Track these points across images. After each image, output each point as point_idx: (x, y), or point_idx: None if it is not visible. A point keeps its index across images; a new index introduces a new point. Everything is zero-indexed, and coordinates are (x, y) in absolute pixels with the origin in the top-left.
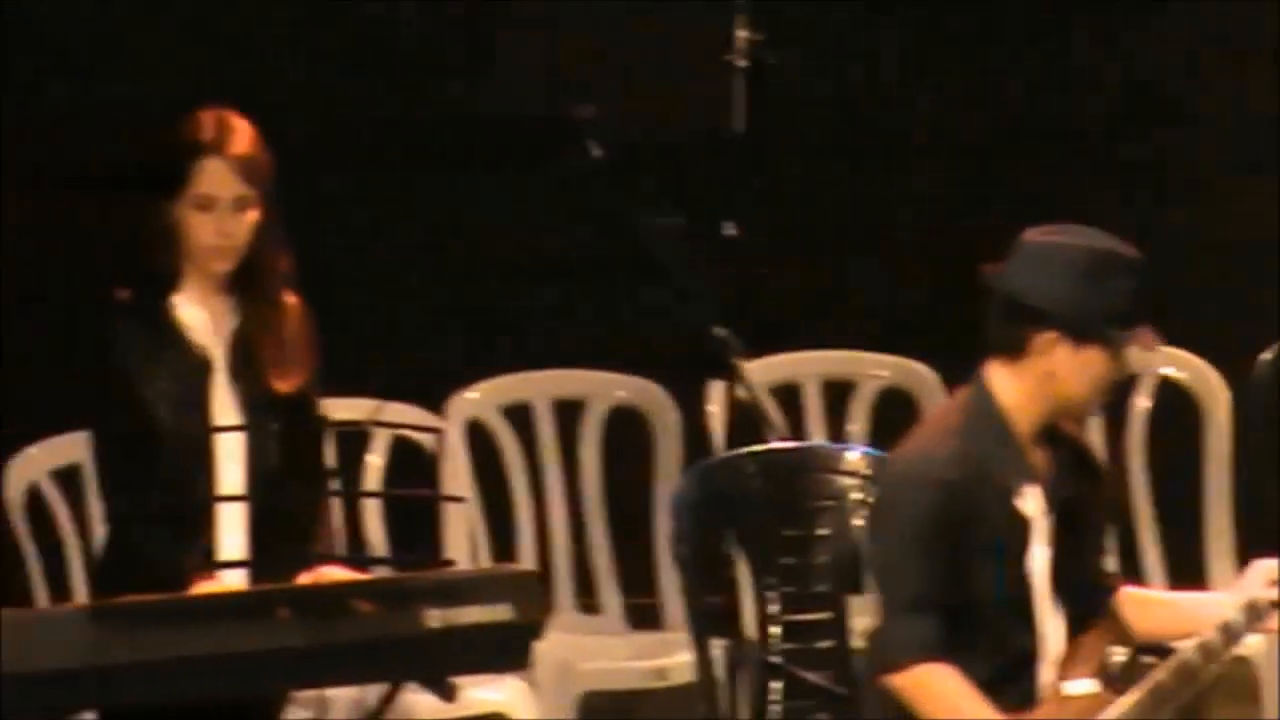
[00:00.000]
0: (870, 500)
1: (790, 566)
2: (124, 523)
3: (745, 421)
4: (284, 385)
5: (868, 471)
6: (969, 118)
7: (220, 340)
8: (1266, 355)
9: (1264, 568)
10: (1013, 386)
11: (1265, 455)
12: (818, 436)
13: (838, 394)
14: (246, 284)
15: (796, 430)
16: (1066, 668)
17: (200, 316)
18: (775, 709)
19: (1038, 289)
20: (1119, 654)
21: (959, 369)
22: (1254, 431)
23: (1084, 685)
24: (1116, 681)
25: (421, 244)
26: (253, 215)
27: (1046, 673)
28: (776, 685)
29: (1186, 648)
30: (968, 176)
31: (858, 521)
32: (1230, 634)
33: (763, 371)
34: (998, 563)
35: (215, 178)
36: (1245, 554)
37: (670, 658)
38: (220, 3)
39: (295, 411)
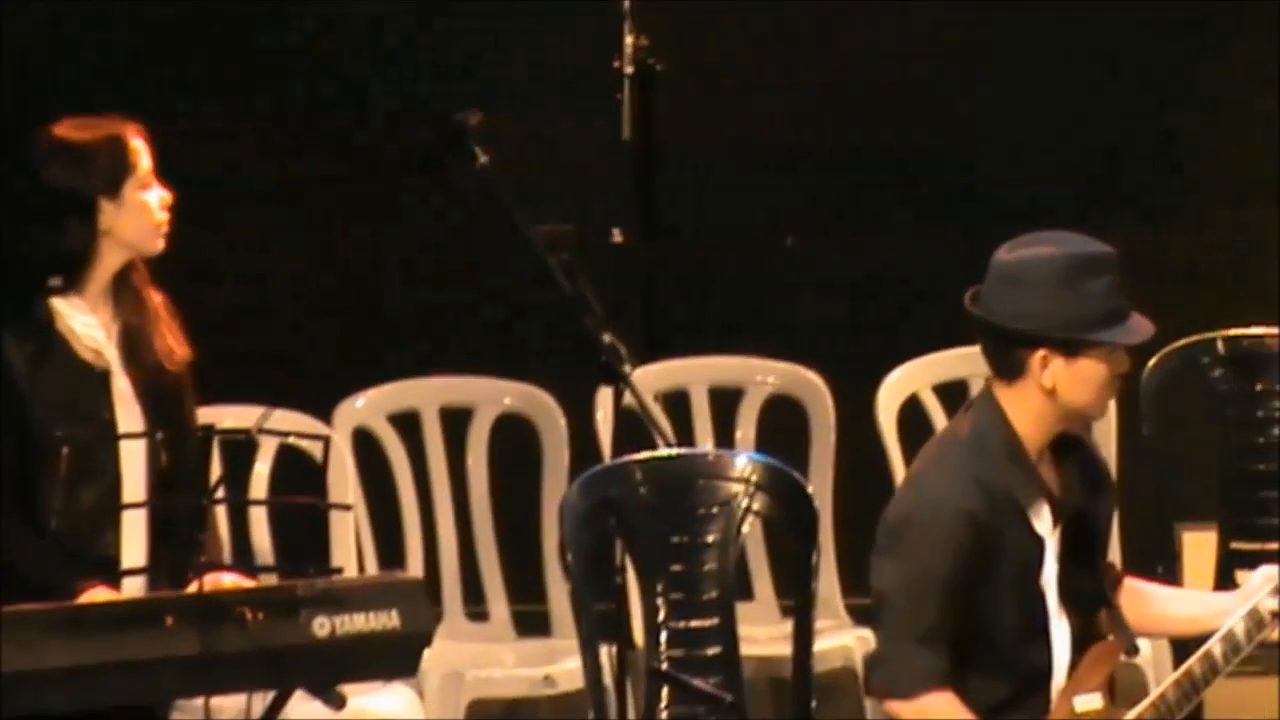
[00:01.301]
0: (756, 508)
1: (678, 573)
2: (10, 541)
3: (633, 428)
4: (173, 367)
5: (755, 479)
6: (853, 123)
7: (110, 341)
8: (1152, 363)
9: (1268, 573)
10: (1019, 407)
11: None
12: (706, 443)
13: (726, 401)
14: (120, 280)
15: (685, 437)
16: (1075, 681)
17: (89, 322)
18: (664, 715)
19: (1017, 311)
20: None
21: (848, 375)
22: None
23: (1092, 700)
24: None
25: (309, 249)
26: None
27: (1049, 690)
28: (665, 692)
29: (1191, 661)
30: (856, 183)
31: (745, 529)
32: (1233, 645)
33: (651, 378)
34: (1016, 586)
35: (145, 151)
36: None
37: (558, 665)
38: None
39: (178, 409)
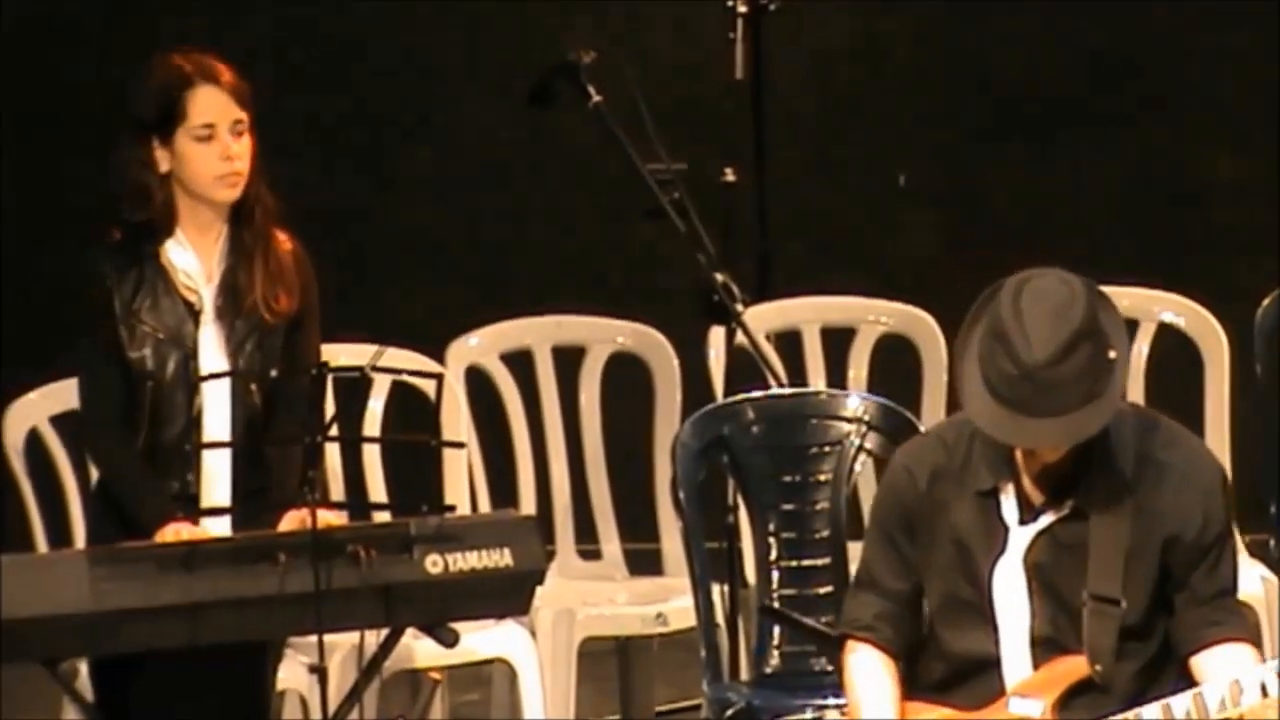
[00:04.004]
0: (868, 447)
1: (790, 512)
2: (107, 468)
3: (745, 367)
4: (274, 319)
5: (867, 418)
6: (969, 67)
7: (211, 285)
8: (1267, 303)
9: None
10: None
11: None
12: (818, 383)
13: (838, 340)
14: (239, 221)
15: (796, 376)
16: (1025, 684)
17: (192, 261)
18: (775, 654)
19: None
20: None
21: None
22: (1256, 380)
23: (1032, 707)
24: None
25: (424, 189)
26: (249, 140)
27: (1000, 683)
28: (776, 630)
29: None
30: (974, 126)
31: (857, 467)
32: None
33: (763, 318)
34: (954, 562)
35: (212, 105)
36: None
37: (670, 603)
38: None
39: (287, 351)
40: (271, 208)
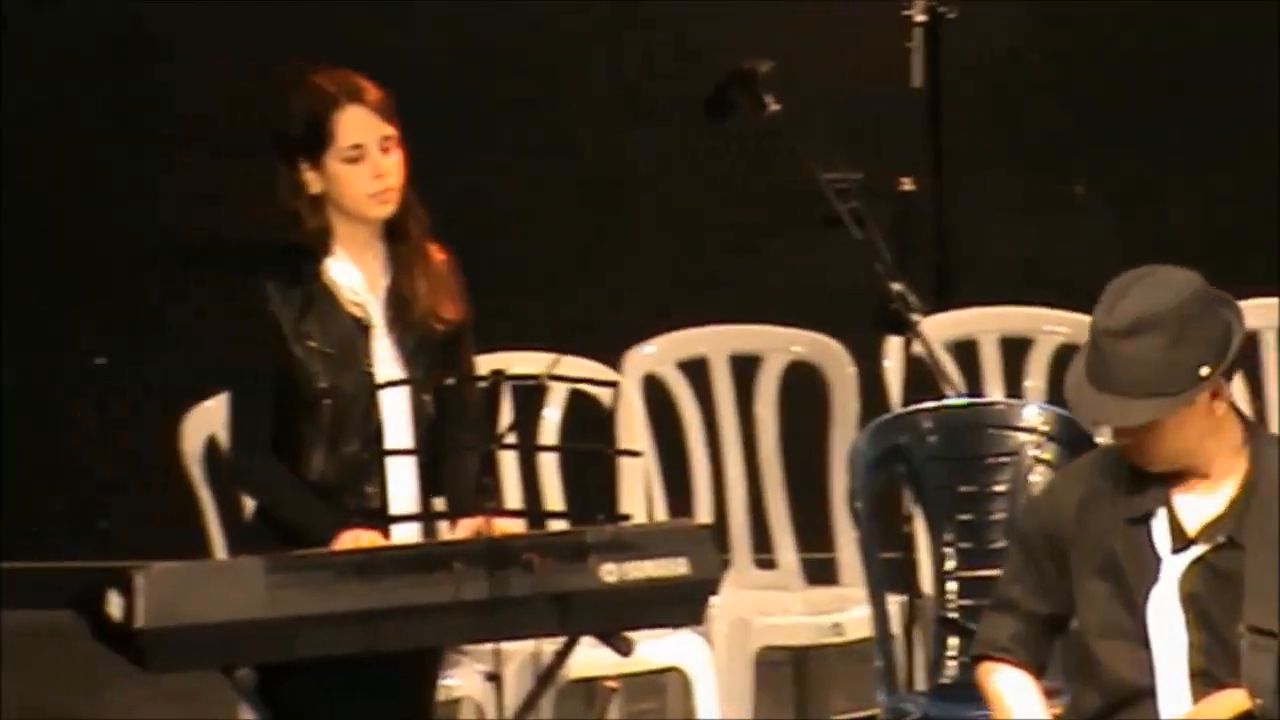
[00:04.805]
0: (1045, 457)
1: (967, 522)
2: (270, 495)
3: (922, 377)
4: (443, 327)
5: (1044, 428)
6: (1151, 76)
7: (376, 298)
8: None
9: None
10: None
11: None
12: (995, 393)
13: (1016, 350)
14: (395, 236)
15: (973, 386)
16: (1185, 716)
17: (355, 276)
18: (952, 665)
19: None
20: None
21: None
22: None
23: None
24: None
25: (601, 200)
26: (399, 154)
27: (1155, 715)
28: (953, 641)
29: None
30: (1154, 135)
31: (1034, 478)
32: None
33: (940, 327)
34: (1106, 588)
35: (359, 125)
36: None
37: (847, 613)
38: None
39: (452, 361)
40: (424, 219)
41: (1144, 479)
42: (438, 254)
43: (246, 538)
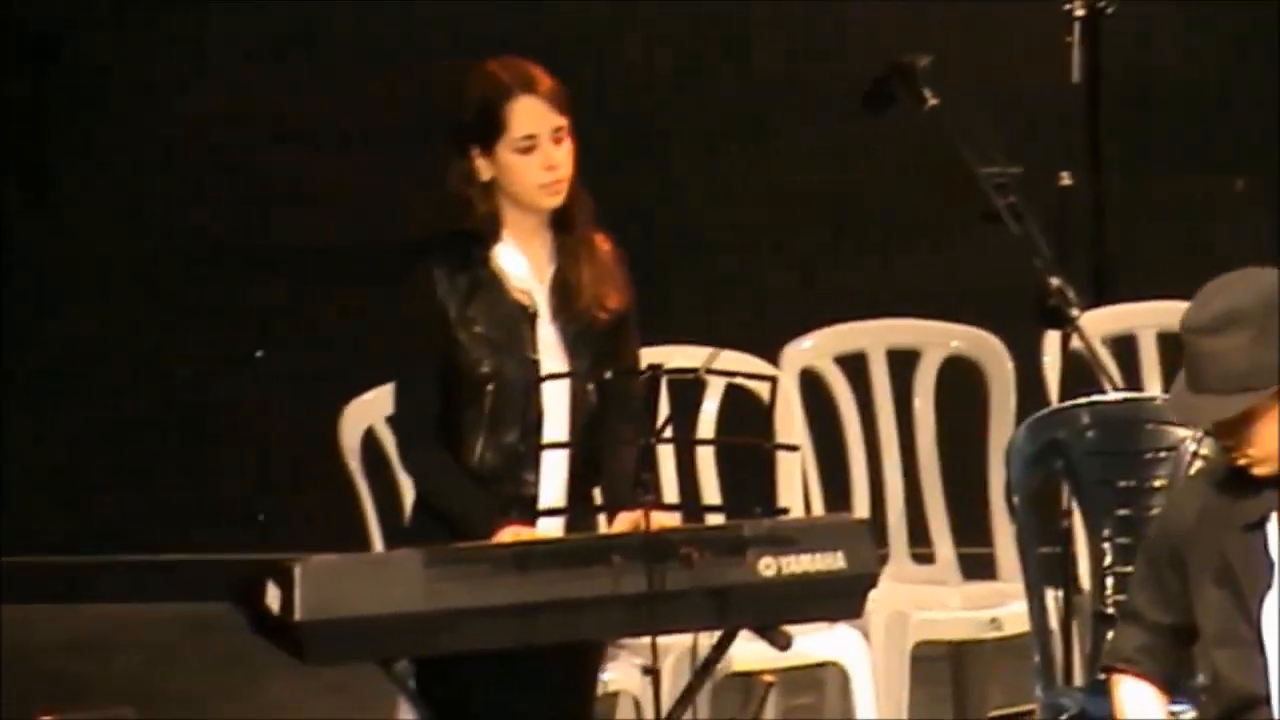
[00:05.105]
0: (1203, 452)
1: (1125, 517)
2: (430, 484)
3: (1080, 372)
4: (607, 317)
5: None
6: None
7: (542, 286)
8: None
9: None
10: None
11: None
12: (1153, 387)
13: (1174, 345)
14: (562, 225)
15: (1132, 381)
16: None
17: (522, 264)
18: None
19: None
20: None
21: None
22: None
23: None
24: None
25: (757, 194)
26: (569, 144)
27: None
28: (1110, 636)
29: None
30: None
31: (1193, 473)
32: None
33: (1099, 322)
34: (1224, 596)
35: (532, 116)
36: None
37: (1004, 608)
38: None
39: (615, 351)
40: (590, 209)
41: (1257, 484)
42: (604, 244)
43: (408, 529)
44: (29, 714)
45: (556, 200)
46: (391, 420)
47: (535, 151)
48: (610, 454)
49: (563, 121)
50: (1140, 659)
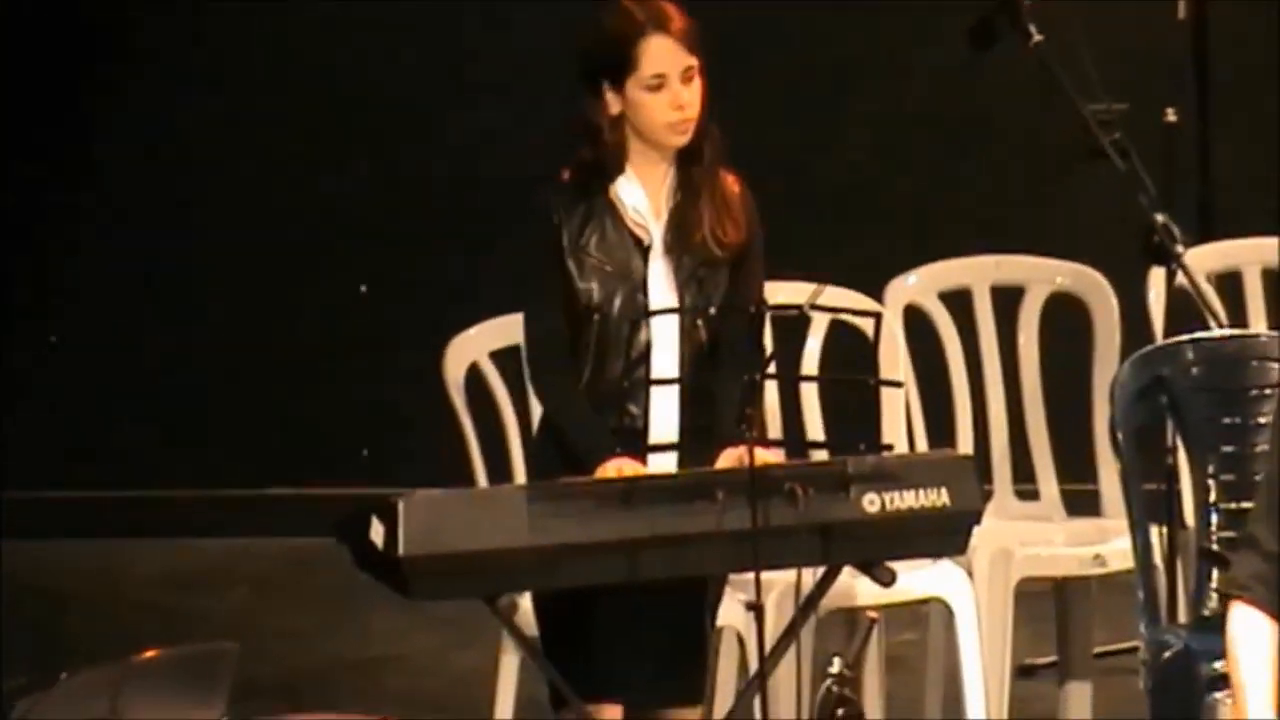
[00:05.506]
0: None
1: (1229, 454)
2: (553, 405)
3: (1185, 309)
4: (723, 253)
5: None
6: None
7: (660, 221)
8: None
9: None
10: None
11: None
12: (1259, 324)
13: (1279, 281)
14: (688, 159)
15: (1236, 318)
16: None
17: (641, 197)
18: (1214, 597)
19: None
20: None
21: None
22: None
23: None
24: None
25: (861, 131)
26: (700, 84)
27: None
28: (1215, 573)
29: None
30: None
31: None
32: None
33: (1204, 259)
34: None
35: (662, 55)
36: None
37: (1108, 544)
38: None
39: (731, 288)
40: (719, 146)
41: None
42: (732, 183)
43: (532, 457)
44: (132, 648)
45: (683, 139)
46: (524, 343)
47: (664, 90)
48: (719, 389)
49: (693, 61)
50: (1253, 585)
